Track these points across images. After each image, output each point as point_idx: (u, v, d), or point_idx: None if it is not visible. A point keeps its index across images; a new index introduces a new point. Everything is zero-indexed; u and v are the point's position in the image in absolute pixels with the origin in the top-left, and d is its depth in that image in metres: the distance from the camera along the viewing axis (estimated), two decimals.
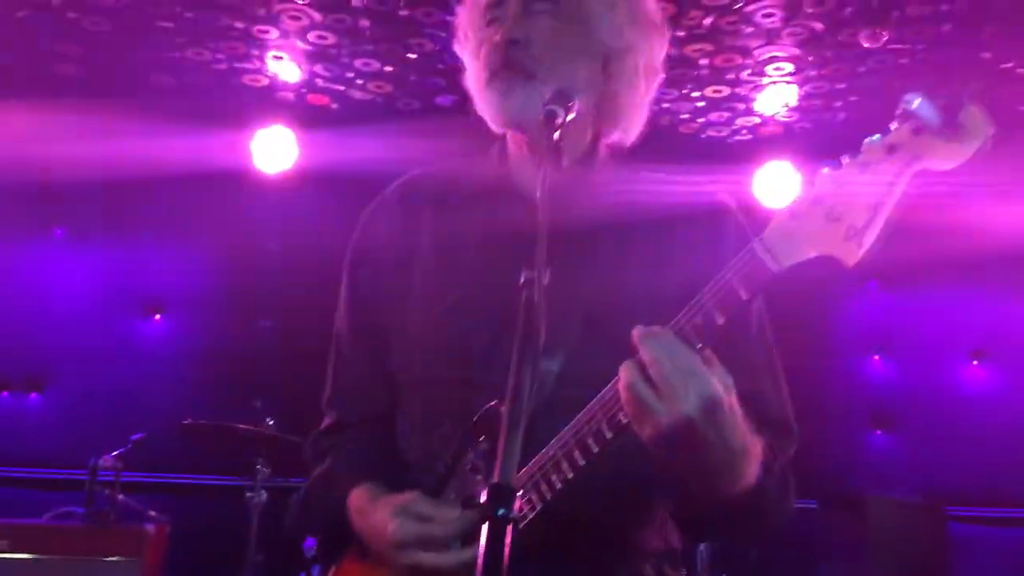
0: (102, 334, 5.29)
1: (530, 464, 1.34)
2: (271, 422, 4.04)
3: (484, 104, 1.54)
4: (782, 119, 5.36)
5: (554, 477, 1.31)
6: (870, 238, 1.16)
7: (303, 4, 4.23)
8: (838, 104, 5.16)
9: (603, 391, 1.29)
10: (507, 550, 0.91)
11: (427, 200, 1.67)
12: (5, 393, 5.26)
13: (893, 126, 1.17)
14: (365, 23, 4.43)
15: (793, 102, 5.15)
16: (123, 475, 4.34)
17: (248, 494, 3.99)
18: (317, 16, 4.38)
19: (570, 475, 1.30)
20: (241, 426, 3.99)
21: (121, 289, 5.42)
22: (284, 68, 4.95)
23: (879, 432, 5.99)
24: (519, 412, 1.03)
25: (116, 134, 4.73)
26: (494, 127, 1.58)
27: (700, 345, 1.22)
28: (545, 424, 1.33)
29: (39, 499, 4.73)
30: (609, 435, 1.28)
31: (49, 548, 4.12)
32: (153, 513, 4.36)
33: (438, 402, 1.52)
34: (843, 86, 4.93)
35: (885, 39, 4.15)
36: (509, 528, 0.92)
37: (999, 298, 5.77)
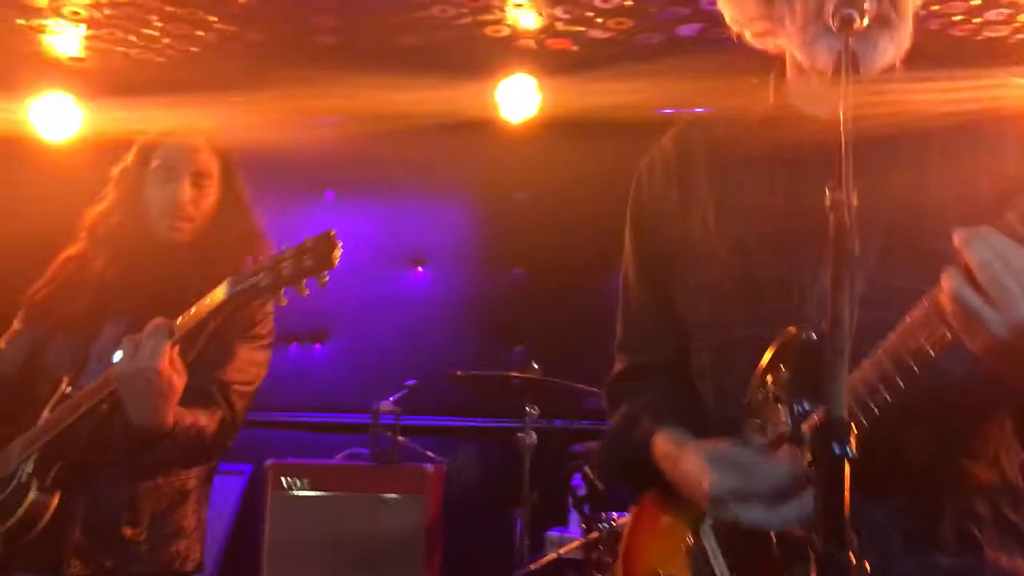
0: (374, 287, 5.63)
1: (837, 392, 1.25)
2: (536, 367, 4.15)
3: (820, 42, 1.42)
4: None
5: (870, 403, 1.20)
6: None
7: None
8: None
9: (921, 304, 1.18)
10: (847, 494, 0.85)
11: (702, 144, 1.64)
12: (294, 345, 5.74)
13: None
14: None
15: None
16: (402, 419, 4.64)
17: (519, 435, 4.13)
18: None
19: (887, 401, 1.19)
20: (510, 374, 4.14)
21: (386, 244, 5.73)
22: (524, 15, 4.96)
23: None
24: (842, 338, 0.96)
25: (371, 98, 4.98)
26: (823, 65, 1.44)
27: None
28: (850, 348, 1.26)
29: (328, 441, 5.16)
30: (933, 353, 1.16)
31: (342, 486, 4.51)
32: (431, 454, 4.64)
33: (730, 342, 1.48)
34: None
35: None
36: (847, 468, 0.86)
37: None
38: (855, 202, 1.05)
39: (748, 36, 1.59)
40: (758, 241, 1.47)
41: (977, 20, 4.80)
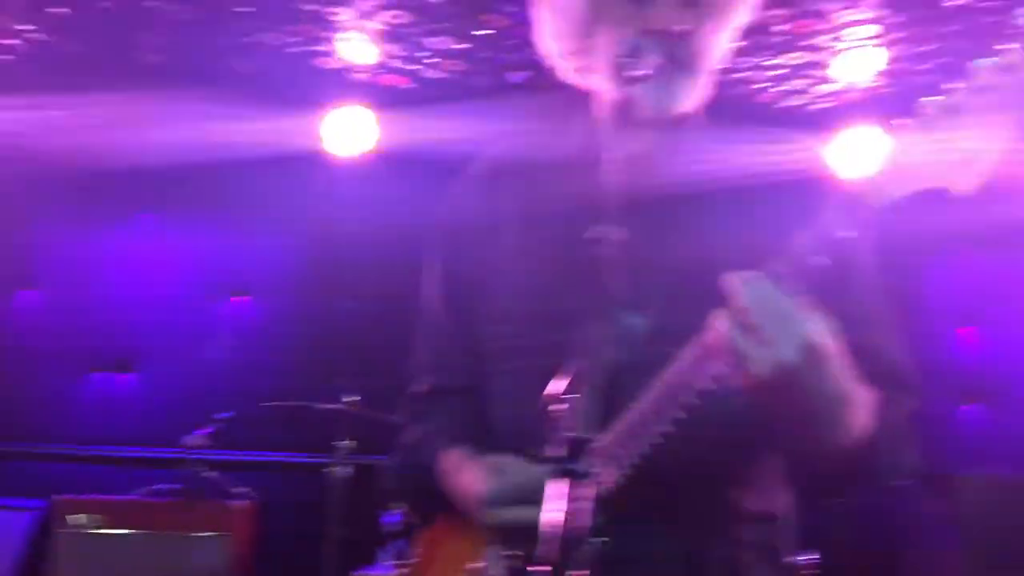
0: (191, 315, 5.44)
1: (620, 421, 1.31)
2: (353, 399, 4.11)
3: (619, 87, 1.49)
4: (865, 84, 5.19)
5: (646, 434, 1.28)
6: (985, 166, 1.09)
7: None
8: (924, 67, 4.96)
9: (695, 342, 1.26)
10: (589, 505, 0.90)
11: (513, 174, 1.69)
12: (98, 373, 5.44)
13: (1003, 47, 1.09)
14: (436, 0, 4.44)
15: (876, 66, 4.97)
16: (212, 453, 4.47)
17: (330, 470, 4.06)
18: None
19: (663, 431, 1.27)
20: (322, 405, 4.06)
21: (207, 271, 5.56)
22: (357, 49, 4.98)
23: (970, 406, 5.79)
24: (593, 367, 1.02)
25: (198, 120, 4.85)
26: (622, 108, 1.52)
27: (798, 290, 1.18)
28: (633, 381, 1.32)
29: (133, 476, 4.89)
30: (703, 387, 1.25)
31: (143, 523, 4.27)
32: (242, 490, 4.48)
33: (527, 368, 1.51)
34: (929, 48, 4.74)
35: None
36: (588, 483, 0.91)
37: None
38: (617, 238, 1.12)
39: (565, 72, 1.64)
40: (556, 274, 1.52)
41: (779, 88, 5.20)
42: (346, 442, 4.05)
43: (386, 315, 5.41)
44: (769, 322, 1.14)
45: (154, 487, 4.59)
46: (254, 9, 4.60)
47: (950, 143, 1.10)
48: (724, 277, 1.19)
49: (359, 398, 4.14)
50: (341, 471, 4.01)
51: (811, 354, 1.14)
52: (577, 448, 0.92)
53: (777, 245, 1.32)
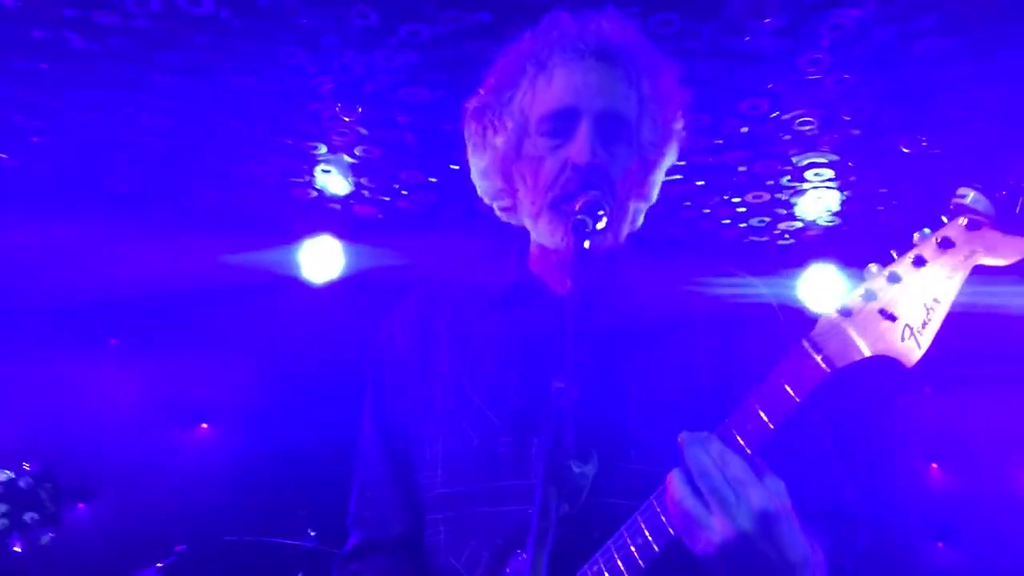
0: (149, 445, 5.32)
1: None
2: (312, 534, 4.00)
3: (548, 225, 1.51)
4: (824, 223, 5.35)
5: None
6: (929, 337, 1.12)
7: (350, 121, 4.37)
8: (880, 208, 5.14)
9: (648, 501, 1.24)
10: None
11: (444, 306, 1.66)
12: None
13: (945, 220, 1.13)
14: (410, 137, 4.56)
15: (834, 207, 5.15)
16: None
17: None
18: (364, 131, 4.53)
19: None
20: (283, 541, 3.95)
21: (167, 399, 5.48)
22: (332, 181, 5.08)
23: (941, 545, 5.74)
24: (547, 525, 1.01)
25: (168, 247, 4.87)
26: (550, 243, 1.54)
27: (750, 451, 1.17)
28: (582, 531, 1.30)
29: None
30: (656, 548, 1.22)
31: None
32: None
33: (468, 515, 1.47)
34: (884, 190, 4.93)
35: (924, 143, 4.15)
36: None
37: None
38: (575, 393, 1.12)
39: (496, 210, 1.65)
40: (497, 416, 1.48)
41: (742, 224, 5.35)
42: None
43: (350, 448, 5.33)
44: (723, 488, 1.12)
45: None
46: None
47: (904, 306, 1.13)
48: (680, 436, 1.18)
49: (314, 534, 4.03)
50: None
51: (767, 523, 1.13)
52: None
53: (723, 386, 1.32)
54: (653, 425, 1.40)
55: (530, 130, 1.53)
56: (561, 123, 1.50)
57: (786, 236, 5.49)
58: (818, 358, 1.16)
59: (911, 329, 1.12)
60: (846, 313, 1.16)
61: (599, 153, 1.47)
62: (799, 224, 5.35)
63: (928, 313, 1.12)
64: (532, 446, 1.38)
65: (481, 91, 1.62)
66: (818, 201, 5.06)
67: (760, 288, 1.62)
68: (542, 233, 1.53)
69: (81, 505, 5.33)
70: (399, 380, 1.64)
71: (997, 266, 1.11)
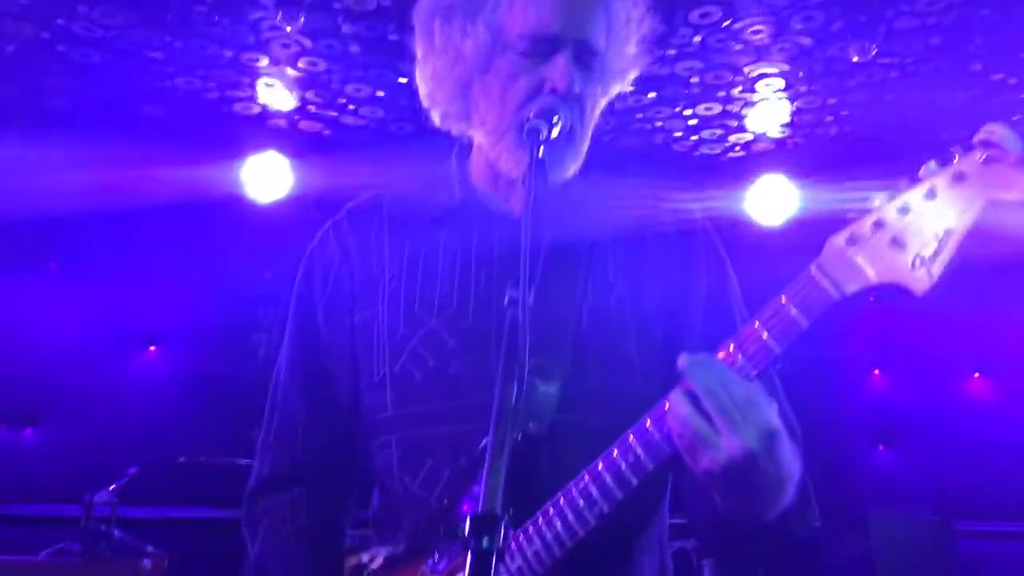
0: (98, 368, 5.25)
1: (558, 496, 1.28)
2: None
3: (511, 146, 1.46)
4: (774, 135, 5.35)
5: (588, 516, 1.25)
6: (940, 267, 1.12)
7: (293, 32, 4.23)
8: (829, 119, 5.15)
9: (640, 420, 1.24)
10: None
11: (384, 224, 1.59)
12: (1, 428, 5.20)
13: (957, 152, 1.12)
14: (355, 48, 4.43)
15: (785, 118, 5.14)
16: (119, 510, 4.29)
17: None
18: (307, 43, 4.39)
19: (605, 509, 1.24)
20: (240, 460, 3.94)
21: (114, 322, 5.39)
22: (276, 95, 4.94)
23: (882, 448, 5.94)
24: (503, 437, 1.00)
25: (108, 165, 4.72)
26: (507, 165, 1.49)
27: (755, 374, 1.18)
28: (549, 449, 1.31)
29: (35, 536, 4.66)
30: (651, 466, 1.23)
31: None
32: (150, 548, 4.30)
33: (424, 437, 1.44)
34: (834, 100, 4.93)
35: (874, 52, 4.14)
36: (493, 560, 0.89)
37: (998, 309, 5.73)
38: (531, 301, 1.10)
39: (436, 117, 1.57)
40: (451, 336, 1.45)
41: (694, 137, 5.34)
42: None
43: None
44: (730, 408, 1.13)
45: (59, 547, 4.39)
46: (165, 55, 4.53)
47: (915, 236, 1.13)
48: (680, 357, 1.18)
49: None
50: None
51: (769, 440, 1.15)
52: (481, 523, 0.89)
53: (664, 302, 1.31)
54: (613, 340, 1.39)
55: (506, 44, 1.47)
56: (542, 46, 1.45)
57: (737, 148, 5.49)
58: (826, 283, 1.16)
59: (921, 259, 1.12)
60: (853, 241, 1.16)
61: (577, 81, 1.44)
62: (749, 136, 5.35)
63: (940, 244, 1.12)
64: (492, 365, 1.35)
65: None
66: (768, 112, 5.05)
67: (692, 205, 1.62)
68: (502, 151, 1.48)
69: (30, 430, 5.26)
70: (332, 298, 1.57)
71: (1010, 200, 1.11)
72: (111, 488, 4.30)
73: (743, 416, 1.14)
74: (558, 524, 1.26)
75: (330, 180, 5.15)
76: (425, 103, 1.58)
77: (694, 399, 1.15)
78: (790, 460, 1.21)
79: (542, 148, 1.32)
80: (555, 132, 1.37)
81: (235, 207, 5.41)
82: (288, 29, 4.15)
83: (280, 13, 3.97)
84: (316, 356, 1.57)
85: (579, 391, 1.37)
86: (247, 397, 5.26)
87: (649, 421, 1.23)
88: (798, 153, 5.48)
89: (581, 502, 1.25)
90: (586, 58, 1.47)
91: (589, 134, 1.52)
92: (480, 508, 0.92)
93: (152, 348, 5.49)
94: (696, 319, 1.48)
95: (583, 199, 1.54)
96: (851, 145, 5.31)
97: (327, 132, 5.34)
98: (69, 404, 5.28)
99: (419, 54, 1.57)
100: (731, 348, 1.20)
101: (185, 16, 4.20)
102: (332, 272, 1.58)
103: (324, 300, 1.58)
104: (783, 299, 1.18)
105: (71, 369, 4.96)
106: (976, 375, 5.94)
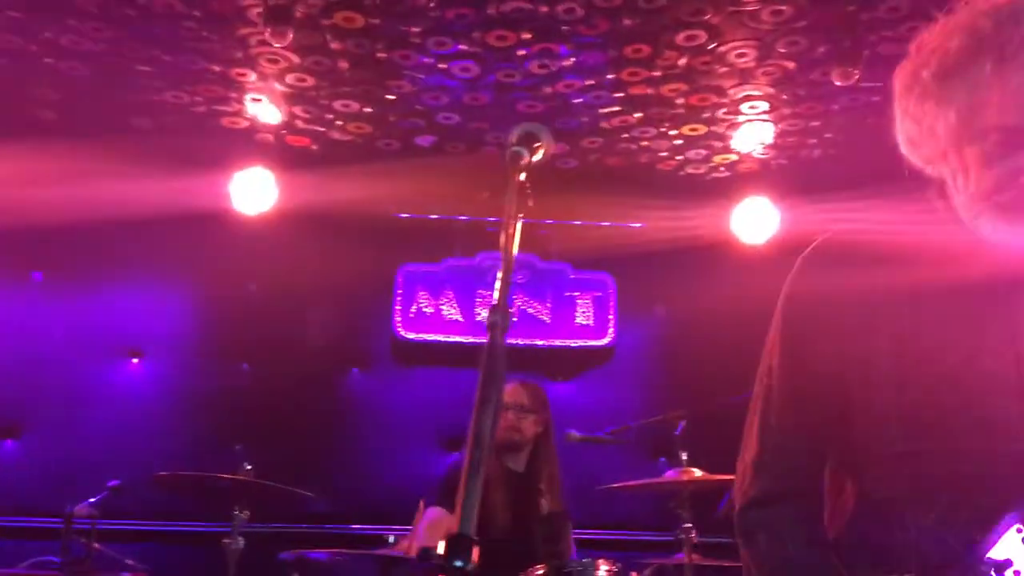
0: (80, 379, 5.24)
1: None
2: (249, 468, 3.98)
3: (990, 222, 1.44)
4: (758, 156, 5.41)
5: None
6: None
7: (280, 47, 4.25)
8: (813, 141, 5.22)
9: None
10: None
11: (867, 263, 1.55)
12: None
13: None
14: (344, 65, 4.46)
15: (768, 139, 5.20)
16: (100, 523, 4.27)
17: (224, 540, 3.91)
18: (295, 59, 4.41)
19: None
20: (219, 475, 3.92)
21: (98, 333, 5.37)
22: (263, 110, 4.96)
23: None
24: (478, 459, 1.02)
25: (95, 177, 4.72)
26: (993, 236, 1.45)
27: None
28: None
29: (15, 548, 4.64)
30: None
31: None
32: (130, 562, 4.29)
33: (927, 476, 1.44)
34: (817, 123, 4.99)
35: (857, 77, 4.20)
36: None
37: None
38: None
39: (909, 152, 1.55)
40: (962, 374, 1.44)
41: (679, 157, 5.38)
42: (243, 512, 3.90)
43: (282, 379, 5.33)
44: None
45: (38, 559, 4.37)
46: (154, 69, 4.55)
47: None
48: None
49: (250, 467, 4.00)
50: (236, 542, 3.87)
51: None
52: (455, 544, 0.91)
53: None
54: None
55: (975, 130, 1.42)
56: (1015, 137, 1.39)
57: (721, 169, 5.54)
58: None
59: None
60: None
61: None
62: (734, 157, 5.40)
63: None
64: (989, 406, 1.39)
65: (918, 57, 1.50)
66: (752, 133, 5.11)
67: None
68: (980, 226, 1.46)
69: (10, 442, 5.23)
70: (835, 326, 1.54)
71: None
72: (92, 501, 4.28)
73: None
74: None
75: (316, 195, 5.17)
76: (899, 136, 1.57)
77: None
78: None
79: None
80: (537, 157, 1.40)
81: (221, 220, 5.41)
82: (277, 46, 4.17)
83: (269, 30, 4.00)
84: (818, 382, 1.58)
85: None
86: (231, 411, 5.28)
87: None
88: (782, 173, 5.54)
89: None
90: None
91: None
92: (457, 529, 0.94)
93: (135, 360, 5.47)
94: None
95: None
96: (834, 166, 5.37)
97: (315, 147, 5.36)
98: (50, 416, 5.25)
99: (898, 114, 1.57)
100: None
101: (174, 31, 4.22)
102: (824, 305, 1.60)
103: (825, 328, 1.59)
104: None
105: (53, 381, 4.94)
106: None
